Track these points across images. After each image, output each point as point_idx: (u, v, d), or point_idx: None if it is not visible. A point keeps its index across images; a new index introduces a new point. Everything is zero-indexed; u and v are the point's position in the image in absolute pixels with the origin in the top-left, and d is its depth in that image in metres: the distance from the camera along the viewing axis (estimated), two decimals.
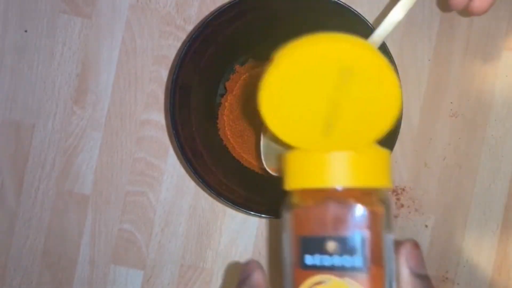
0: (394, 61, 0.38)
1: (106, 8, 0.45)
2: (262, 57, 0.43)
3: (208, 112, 0.43)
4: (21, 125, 0.45)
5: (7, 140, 0.45)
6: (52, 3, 0.45)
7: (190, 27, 0.45)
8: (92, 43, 0.45)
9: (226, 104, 0.43)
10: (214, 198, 0.45)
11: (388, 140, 0.39)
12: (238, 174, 0.42)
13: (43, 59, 0.45)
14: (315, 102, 0.21)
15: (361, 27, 0.37)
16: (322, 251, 0.22)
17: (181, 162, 0.45)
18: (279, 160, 0.28)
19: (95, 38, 0.45)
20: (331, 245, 0.22)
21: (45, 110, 0.45)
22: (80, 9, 0.45)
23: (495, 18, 0.44)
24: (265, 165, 0.37)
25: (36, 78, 0.45)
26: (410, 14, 0.44)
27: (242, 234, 0.45)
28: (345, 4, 0.38)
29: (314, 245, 0.22)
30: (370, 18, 0.37)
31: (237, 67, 0.43)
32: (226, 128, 0.43)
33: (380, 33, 0.29)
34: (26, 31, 0.45)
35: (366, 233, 0.22)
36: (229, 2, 0.36)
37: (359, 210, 0.22)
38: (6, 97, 0.45)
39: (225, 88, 0.43)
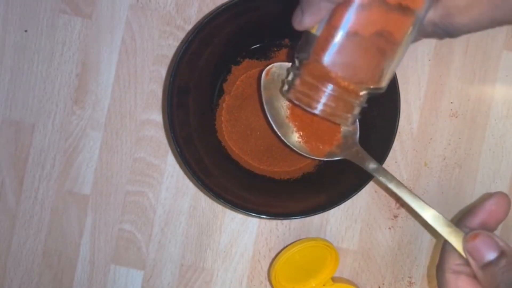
0: None
1: (106, 8, 0.45)
2: (258, 57, 0.43)
3: (206, 113, 0.43)
4: (21, 125, 0.45)
5: (7, 140, 0.45)
6: (52, 3, 0.45)
7: (190, 27, 0.45)
8: (92, 43, 0.45)
9: (224, 105, 0.43)
10: (213, 200, 0.45)
11: (386, 140, 0.38)
12: (237, 175, 0.42)
13: (43, 59, 0.45)
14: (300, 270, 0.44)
15: None
16: None
17: (180, 163, 0.45)
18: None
19: (95, 38, 0.45)
20: None
21: (45, 110, 0.45)
22: (80, 9, 0.45)
23: None
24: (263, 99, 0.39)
25: (36, 78, 0.45)
26: None
27: (242, 234, 0.45)
28: None
29: None
30: None
31: (233, 68, 0.43)
32: (224, 129, 0.43)
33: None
34: (26, 31, 0.45)
35: None
36: (225, 4, 0.36)
37: None
38: (6, 97, 0.45)
39: (222, 89, 0.43)
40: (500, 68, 0.44)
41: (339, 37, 0.28)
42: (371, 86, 0.30)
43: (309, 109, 0.31)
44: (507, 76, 0.44)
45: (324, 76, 0.29)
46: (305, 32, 0.30)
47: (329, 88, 0.30)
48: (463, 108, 0.44)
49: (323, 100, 0.31)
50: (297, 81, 0.31)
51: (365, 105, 0.32)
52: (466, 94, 0.45)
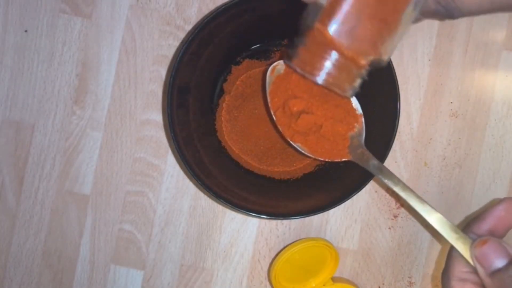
0: (392, 63, 0.38)
1: (106, 8, 0.45)
2: (258, 57, 0.43)
3: (206, 113, 0.43)
4: (21, 125, 0.45)
5: (7, 140, 0.45)
6: (52, 3, 0.45)
7: (190, 27, 0.45)
8: (92, 43, 0.45)
9: (224, 105, 0.43)
10: (213, 200, 0.45)
11: (386, 140, 0.38)
12: (237, 175, 0.42)
13: (43, 59, 0.45)
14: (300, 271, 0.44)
15: None
16: None
17: (180, 163, 0.45)
18: None
19: (95, 38, 0.45)
20: None
21: (45, 110, 0.45)
22: (80, 9, 0.45)
23: (495, 18, 0.44)
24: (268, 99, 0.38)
25: (36, 78, 0.45)
26: None
27: (242, 234, 0.45)
28: None
29: None
30: None
31: (233, 68, 0.43)
32: (224, 129, 0.43)
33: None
34: (26, 31, 0.45)
35: None
36: (225, 4, 0.36)
37: None
38: (6, 97, 0.45)
39: (222, 89, 0.43)
40: (500, 68, 0.44)
41: (345, 5, 0.28)
42: (374, 56, 0.30)
43: (311, 77, 0.31)
44: (507, 76, 0.44)
45: (329, 45, 0.30)
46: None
47: (332, 57, 0.30)
48: (463, 108, 0.44)
49: (326, 69, 0.31)
50: (301, 50, 0.31)
51: (366, 77, 0.32)
52: (466, 94, 0.45)
